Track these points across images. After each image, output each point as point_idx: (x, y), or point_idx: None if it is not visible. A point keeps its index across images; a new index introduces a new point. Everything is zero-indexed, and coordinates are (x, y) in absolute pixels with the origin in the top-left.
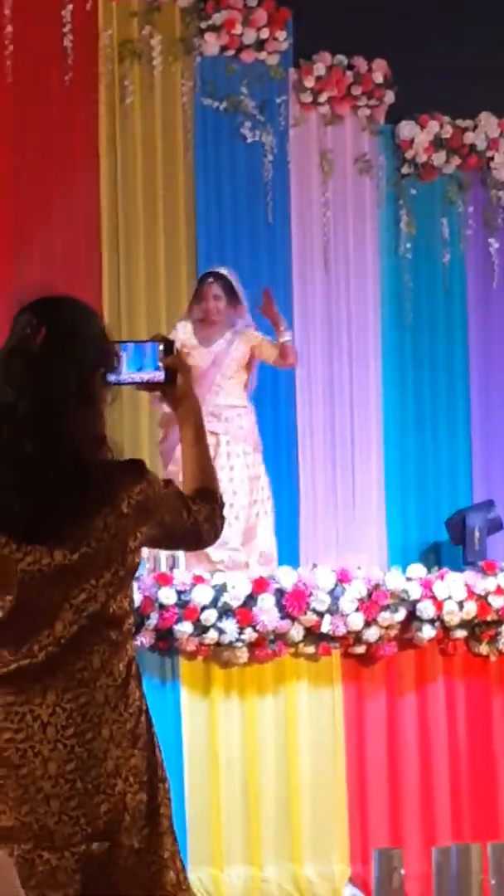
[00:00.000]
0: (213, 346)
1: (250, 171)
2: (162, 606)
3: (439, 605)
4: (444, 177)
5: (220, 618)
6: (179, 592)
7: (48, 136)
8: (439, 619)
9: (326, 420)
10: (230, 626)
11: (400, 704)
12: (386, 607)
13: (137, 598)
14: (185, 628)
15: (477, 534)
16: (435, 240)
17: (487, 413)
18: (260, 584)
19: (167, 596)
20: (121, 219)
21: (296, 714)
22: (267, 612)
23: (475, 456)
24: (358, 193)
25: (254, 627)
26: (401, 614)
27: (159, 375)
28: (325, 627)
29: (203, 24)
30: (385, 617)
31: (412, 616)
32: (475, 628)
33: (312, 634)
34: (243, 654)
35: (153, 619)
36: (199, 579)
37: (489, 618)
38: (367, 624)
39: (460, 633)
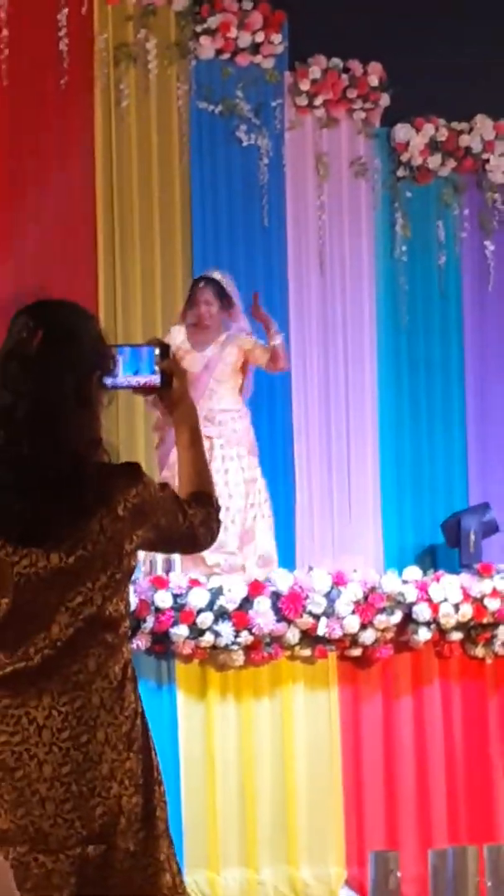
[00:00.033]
0: (206, 351)
1: (246, 174)
2: (158, 609)
3: (435, 607)
4: (440, 179)
5: (216, 621)
6: (175, 596)
7: (44, 139)
8: (435, 621)
9: (322, 423)
10: (226, 629)
11: (396, 707)
12: (382, 610)
13: (133, 601)
14: (181, 631)
15: (472, 536)
16: (430, 242)
17: (483, 415)
18: (256, 587)
19: (163, 599)
20: (117, 222)
21: (292, 717)
22: (263, 614)
23: (471, 458)
24: (353, 196)
25: (250, 630)
26: (397, 617)
27: (155, 379)
28: (322, 630)
29: (198, 28)
30: (381, 619)
31: (408, 619)
32: (471, 631)
33: (308, 637)
34: (239, 657)
35: (149, 623)
36: (195, 582)
37: (485, 620)
38: (363, 626)
39: (456, 636)
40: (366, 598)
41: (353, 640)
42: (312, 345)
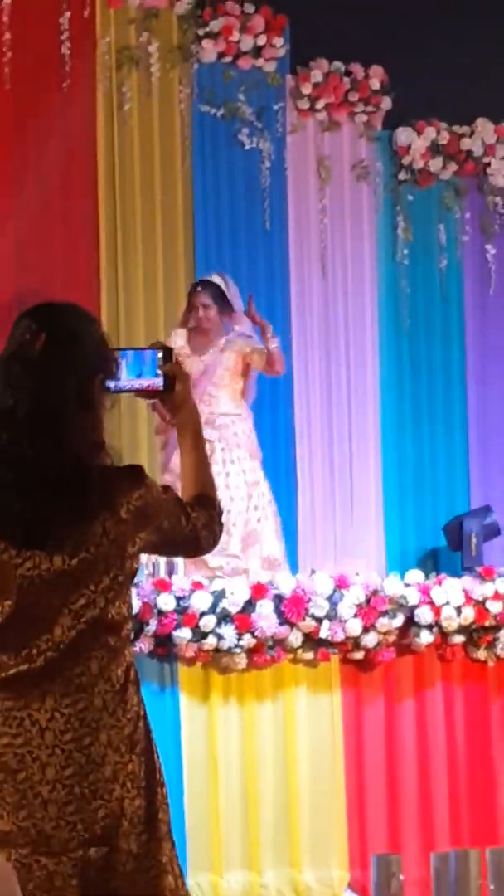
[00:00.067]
0: (205, 356)
1: (248, 177)
2: (161, 612)
3: (437, 610)
4: (441, 183)
5: (218, 624)
6: (178, 598)
7: (46, 142)
8: (437, 624)
9: (324, 425)
10: (229, 632)
11: (398, 710)
12: (384, 613)
13: (136, 604)
14: (183, 634)
15: (474, 539)
16: (432, 246)
17: (484, 418)
18: (258, 590)
19: (166, 602)
20: (119, 225)
21: (294, 720)
22: (265, 617)
23: (472, 461)
24: (355, 200)
25: (252, 633)
26: (399, 620)
27: (158, 382)
28: (324, 633)
29: (200, 31)
30: (383, 623)
31: (410, 622)
32: (473, 634)
33: (311, 640)
34: (242, 660)
35: (152, 625)
36: (197, 585)
37: (487, 623)
38: (366, 630)
39: (458, 639)
40: (368, 601)
41: (356, 643)
42: (314, 348)
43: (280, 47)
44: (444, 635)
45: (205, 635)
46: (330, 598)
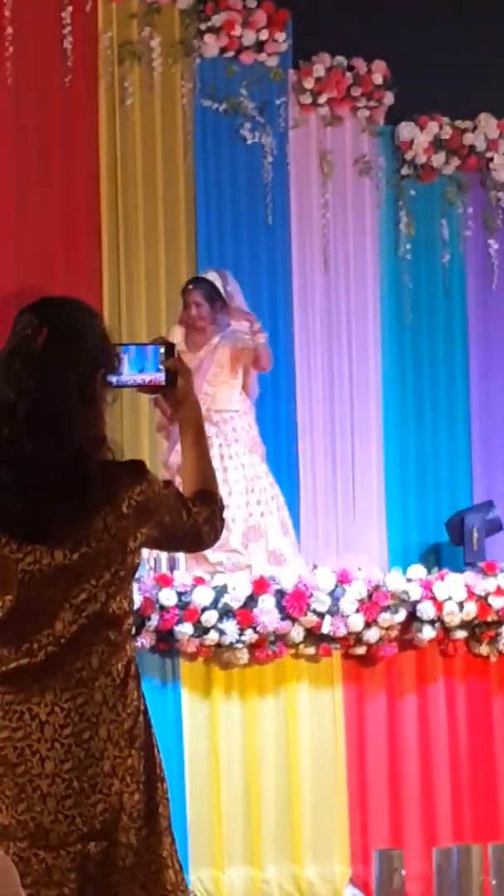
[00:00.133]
0: (200, 352)
1: (250, 172)
2: (162, 608)
3: (439, 605)
4: (444, 178)
5: (220, 619)
6: (180, 594)
7: (48, 137)
8: (439, 619)
9: (326, 421)
10: (231, 627)
11: (400, 705)
12: (386, 608)
13: (138, 599)
14: (185, 629)
15: (475, 534)
16: (434, 241)
17: (487, 413)
18: (260, 586)
19: (168, 597)
20: (121, 220)
21: (296, 715)
22: (267, 613)
23: (475, 456)
24: (357, 195)
25: (254, 629)
26: (401, 615)
27: (160, 377)
28: (326, 628)
29: (202, 26)
30: (385, 618)
31: (412, 617)
32: (475, 629)
33: (313, 635)
34: (244, 656)
35: (154, 621)
36: (199, 580)
37: (489, 618)
38: (368, 625)
39: (460, 634)
40: (370, 596)
41: (358, 639)
42: (316, 343)
43: (282, 42)
44: (446, 630)
45: (206, 630)
46: (332, 594)
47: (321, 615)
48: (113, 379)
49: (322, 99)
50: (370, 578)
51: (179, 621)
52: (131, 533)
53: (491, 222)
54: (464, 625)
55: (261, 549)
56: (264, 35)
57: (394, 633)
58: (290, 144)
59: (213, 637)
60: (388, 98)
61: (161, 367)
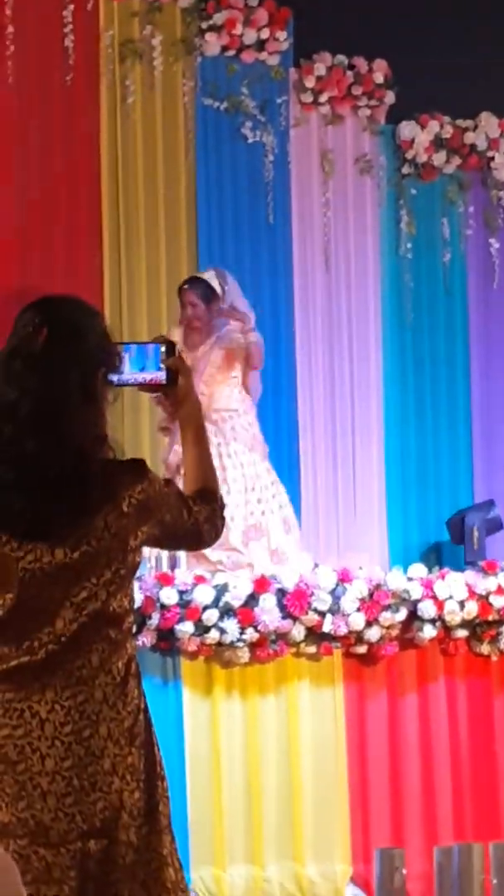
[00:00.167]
0: (197, 352)
1: (251, 171)
2: (163, 606)
3: (440, 604)
4: (445, 177)
5: (221, 618)
6: (181, 592)
7: (49, 136)
8: (440, 618)
9: (327, 419)
10: (232, 626)
11: (401, 704)
12: (387, 607)
13: (139, 597)
14: (186, 628)
15: (476, 533)
16: (435, 240)
17: (488, 412)
18: (261, 584)
19: (169, 596)
20: (122, 218)
21: (297, 714)
22: (268, 611)
23: (476, 455)
24: (358, 193)
25: (255, 627)
26: (402, 614)
27: (161, 376)
28: (327, 627)
29: (204, 24)
30: (386, 617)
31: (413, 616)
32: (476, 628)
33: (314, 634)
34: (245, 654)
35: (155, 619)
36: (200, 579)
37: (490, 617)
38: (369, 624)
39: (461, 633)
40: (371, 595)
41: (359, 638)
42: (317, 342)
43: (283, 41)
44: (447, 629)
45: (207, 629)
46: (333, 592)
47: (322, 614)
48: (114, 378)
49: (323, 98)
50: (371, 577)
51: (180, 620)
52: (132, 531)
53: (492, 221)
54: (465, 624)
55: (262, 547)
56: (265, 34)
57: (395, 632)
58: (291, 143)
59: (214, 636)
60: (389, 97)
61: (162, 365)
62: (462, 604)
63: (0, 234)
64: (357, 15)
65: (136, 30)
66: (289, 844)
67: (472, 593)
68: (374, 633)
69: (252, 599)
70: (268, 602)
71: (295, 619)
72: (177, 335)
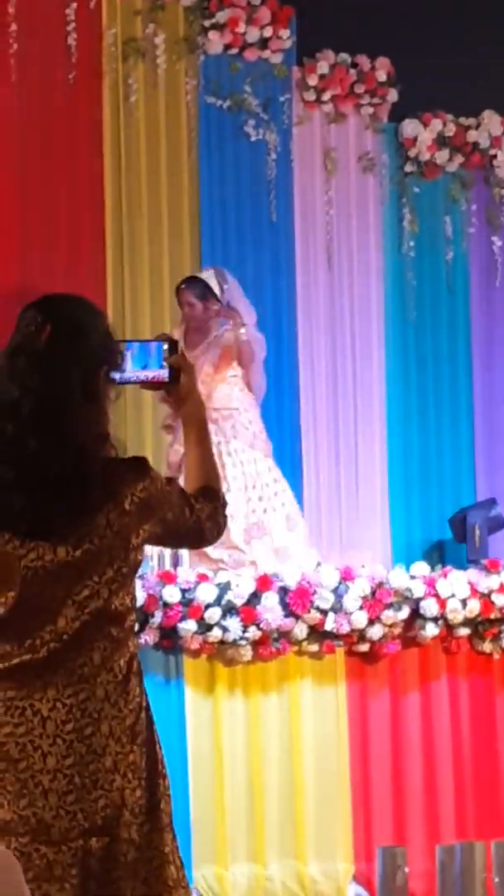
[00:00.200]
0: (196, 351)
1: (254, 168)
2: (166, 604)
3: (443, 603)
4: (447, 175)
5: (223, 616)
6: (183, 590)
7: (52, 133)
8: (443, 617)
9: (330, 418)
10: (234, 624)
11: (403, 702)
12: (389, 605)
13: (142, 595)
14: (189, 626)
15: (477, 532)
16: (438, 238)
17: (491, 410)
18: (264, 583)
19: (171, 594)
20: (125, 216)
21: (300, 712)
22: (271, 610)
23: (478, 453)
24: (361, 191)
25: (258, 625)
26: (404, 612)
27: (163, 374)
28: (329, 625)
29: (206, 23)
30: (388, 615)
31: (416, 614)
32: (478, 626)
33: (316, 632)
34: (247, 652)
35: (157, 617)
36: (202, 577)
37: (492, 616)
38: (371, 622)
39: (464, 631)
40: (373, 593)
41: (361, 636)
42: (320, 339)
43: (286, 39)
44: (449, 628)
45: (210, 627)
46: (335, 591)
47: (324, 612)
48: (116, 376)
49: (326, 96)
50: (373, 576)
51: (183, 618)
52: (134, 530)
53: (494, 219)
54: (467, 622)
55: (265, 545)
56: (268, 32)
57: (397, 631)
58: (293, 141)
59: (216, 634)
60: (392, 95)
61: (164, 363)
62: (464, 602)
63: (2, 232)
64: (360, 13)
65: (138, 28)
66: (291, 843)
67: (474, 591)
68: (376, 632)
69: (254, 598)
70: (270, 600)
71: (297, 617)
72: (178, 335)
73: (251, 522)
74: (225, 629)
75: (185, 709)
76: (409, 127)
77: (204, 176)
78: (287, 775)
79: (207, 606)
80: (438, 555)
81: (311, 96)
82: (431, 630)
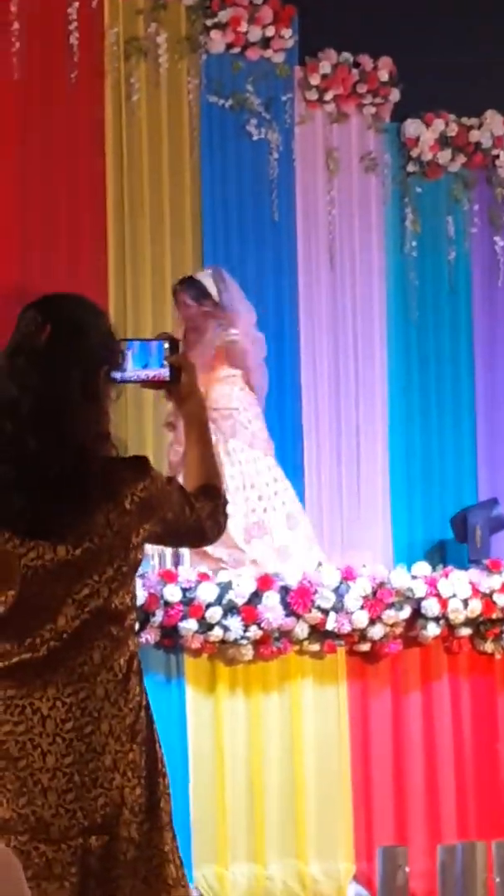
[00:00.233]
0: (193, 352)
1: (256, 168)
2: (167, 603)
3: (444, 603)
4: (450, 175)
5: (224, 615)
6: (184, 590)
7: (54, 133)
8: (444, 616)
9: (332, 418)
10: (235, 623)
11: (405, 702)
12: (391, 605)
13: (142, 595)
14: (189, 625)
15: (478, 532)
16: (440, 238)
17: (493, 410)
18: (264, 582)
19: (172, 593)
20: (126, 216)
21: (301, 711)
22: (272, 609)
23: (480, 453)
24: (363, 191)
25: (259, 625)
26: (406, 612)
27: (164, 373)
28: (330, 625)
29: (209, 22)
30: (390, 615)
31: (417, 614)
32: (480, 626)
33: (317, 632)
34: (248, 652)
35: (158, 617)
36: (204, 577)
37: (494, 616)
38: (372, 622)
39: (465, 631)
40: (374, 593)
41: (362, 635)
42: (322, 340)
43: (288, 38)
44: (450, 628)
45: (211, 627)
46: (336, 590)
47: (325, 612)
48: (117, 375)
49: (328, 95)
50: (375, 575)
51: (184, 617)
52: (134, 529)
53: (497, 219)
54: (468, 622)
55: (265, 545)
56: (270, 31)
57: (398, 630)
58: (295, 141)
59: (217, 633)
60: (394, 95)
61: (165, 362)
62: (466, 602)
63: (2, 232)
64: (362, 12)
65: (140, 27)
66: (292, 842)
67: (475, 591)
68: (377, 631)
69: (255, 597)
70: (271, 600)
71: (298, 616)
72: (179, 334)
73: (251, 522)
74: (226, 628)
75: (185, 708)
76: (412, 127)
77: (206, 175)
78: (288, 775)
79: (208, 606)
80: (440, 555)
81: (313, 96)
82: (433, 630)
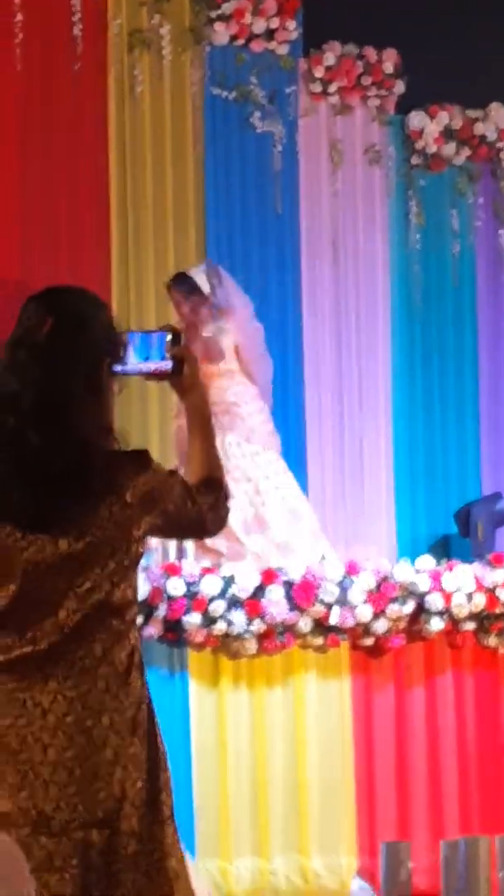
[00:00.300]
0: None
1: (259, 161)
2: (170, 597)
3: (448, 597)
4: (454, 168)
5: (228, 609)
6: (188, 583)
7: (57, 124)
8: (448, 611)
9: (335, 412)
10: (239, 617)
11: (408, 697)
12: (394, 599)
13: (146, 588)
14: (193, 619)
15: (481, 526)
16: (444, 231)
17: (496, 404)
18: (268, 576)
19: (176, 587)
20: (130, 208)
21: (304, 706)
22: (275, 603)
23: (484, 448)
24: (367, 184)
25: (262, 619)
26: (409, 606)
27: (167, 365)
28: (334, 619)
29: (212, 14)
30: (393, 609)
31: (421, 608)
32: (484, 621)
33: (321, 626)
34: (252, 646)
35: (162, 610)
36: (207, 570)
37: (498, 610)
38: (376, 616)
39: (469, 626)
40: (378, 587)
41: (366, 630)
42: (325, 334)
43: (293, 30)
44: (454, 622)
45: (214, 620)
46: (340, 584)
47: (329, 606)
48: (119, 367)
49: (332, 88)
50: (378, 569)
51: (187, 611)
52: (135, 522)
53: (501, 212)
54: (472, 616)
55: (265, 539)
56: (274, 23)
57: (402, 625)
58: (299, 133)
59: (221, 627)
60: (399, 87)
61: (167, 354)
62: (470, 596)
63: (4, 224)
64: (366, 4)
65: (144, 19)
66: (295, 837)
67: (479, 586)
68: (381, 626)
69: (259, 591)
70: (275, 594)
71: (302, 610)
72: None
73: (249, 516)
74: (229, 622)
75: (189, 702)
76: (416, 119)
77: (209, 168)
78: (291, 769)
79: (212, 599)
80: (444, 549)
81: (317, 88)
82: (436, 624)
